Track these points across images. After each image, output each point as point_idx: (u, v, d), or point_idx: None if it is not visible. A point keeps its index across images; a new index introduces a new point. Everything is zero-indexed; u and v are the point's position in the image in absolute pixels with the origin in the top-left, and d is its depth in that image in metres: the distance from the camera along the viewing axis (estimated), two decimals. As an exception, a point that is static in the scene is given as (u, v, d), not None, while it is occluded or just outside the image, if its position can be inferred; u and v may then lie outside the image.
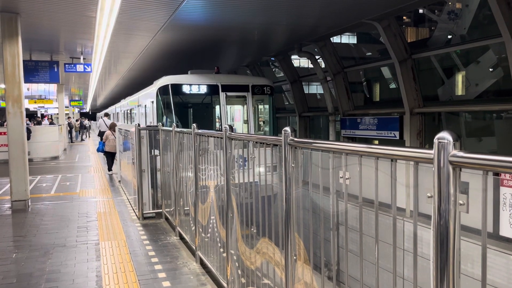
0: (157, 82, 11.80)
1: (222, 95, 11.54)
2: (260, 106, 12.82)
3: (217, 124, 12.19)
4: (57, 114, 28.57)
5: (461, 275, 1.44)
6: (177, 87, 11.45)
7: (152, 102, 12.09)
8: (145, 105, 13.50)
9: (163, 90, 11.48)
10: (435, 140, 1.42)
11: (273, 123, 12.46)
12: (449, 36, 9.74)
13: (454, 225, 1.38)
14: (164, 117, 11.44)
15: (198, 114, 12.49)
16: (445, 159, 1.39)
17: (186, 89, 11.50)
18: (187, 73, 12.07)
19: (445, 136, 1.39)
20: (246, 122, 11.99)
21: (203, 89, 11.62)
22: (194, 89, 11.56)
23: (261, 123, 12.95)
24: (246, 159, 3.55)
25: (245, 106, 12.06)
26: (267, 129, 12.66)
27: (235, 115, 12.92)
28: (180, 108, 11.77)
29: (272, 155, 3.10)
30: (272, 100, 12.33)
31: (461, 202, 1.38)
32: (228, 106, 12.03)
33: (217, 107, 12.06)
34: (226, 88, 11.63)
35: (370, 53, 13.83)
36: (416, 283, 1.75)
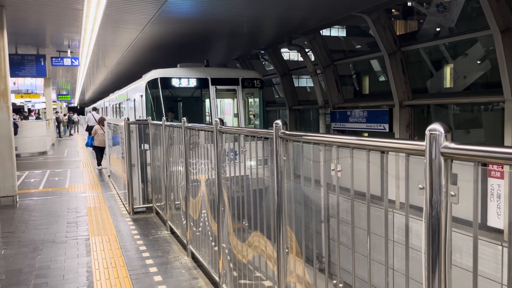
0: (146, 76, 11.69)
1: (212, 89, 11.47)
2: (250, 100, 12.79)
3: (207, 118, 12.13)
4: (45, 108, 28.21)
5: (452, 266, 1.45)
6: (166, 81, 11.34)
7: (141, 96, 12.00)
8: (134, 99, 13.38)
9: (152, 84, 11.37)
10: (427, 132, 1.42)
11: (264, 117, 12.44)
12: (438, 29, 9.78)
13: (446, 216, 1.39)
14: (154, 111, 11.35)
15: (187, 107, 12.41)
16: (437, 151, 1.39)
17: (175, 82, 11.39)
18: (176, 67, 11.98)
19: (436, 127, 1.40)
20: (236, 115, 11.96)
21: (193, 83, 11.53)
22: (184, 83, 11.46)
23: (252, 116, 12.93)
24: (237, 152, 3.53)
25: (235, 100, 12.02)
26: (257, 122, 12.64)
27: (225, 108, 12.88)
28: (170, 102, 11.69)
29: (264, 148, 3.09)
30: (262, 93, 12.29)
31: (452, 193, 1.39)
32: (218, 100, 11.98)
33: (207, 101, 11.99)
34: (216, 82, 11.56)
35: (359, 46, 13.85)
36: (408, 275, 1.76)
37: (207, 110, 12.10)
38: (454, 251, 6.38)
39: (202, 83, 11.55)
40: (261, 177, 3.36)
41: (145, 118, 10.62)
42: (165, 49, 13.12)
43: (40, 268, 4.85)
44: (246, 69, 15.46)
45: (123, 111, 16.51)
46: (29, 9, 8.48)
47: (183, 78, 11.44)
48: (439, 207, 1.39)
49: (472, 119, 9.17)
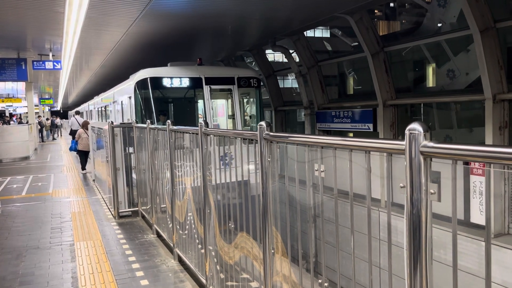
0: (135, 76, 11.10)
1: (206, 89, 10.83)
2: (247, 100, 12.15)
3: (201, 120, 11.62)
4: (27, 113, 27.74)
5: (434, 262, 1.47)
6: (156, 81, 10.70)
7: (130, 97, 11.40)
8: (122, 101, 12.80)
9: (141, 84, 10.74)
10: (407, 131, 1.45)
11: (261, 118, 11.69)
12: (439, 24, 9.73)
13: (426, 214, 1.42)
14: (143, 114, 10.85)
15: (180, 109, 11.76)
16: (416, 150, 1.42)
17: (166, 82, 10.72)
18: (166, 66, 11.40)
19: (416, 127, 1.42)
20: (232, 117, 11.39)
21: (185, 82, 10.88)
22: (176, 83, 10.79)
23: (248, 117, 12.22)
24: (223, 154, 3.53)
25: (230, 100, 11.41)
26: (254, 124, 11.86)
27: (219, 109, 12.22)
28: (161, 104, 11.03)
29: (248, 150, 3.09)
30: (259, 93, 11.61)
31: (432, 191, 1.41)
32: (212, 100, 11.29)
33: (201, 102, 11.31)
34: (210, 81, 10.91)
35: (344, 46, 13.96)
36: (391, 271, 1.79)
37: (201, 111, 11.39)
38: (439, 247, 6.48)
39: (195, 83, 10.91)
40: (247, 179, 3.37)
41: (134, 121, 10.31)
42: (150, 50, 13.00)
43: (24, 275, 4.77)
44: (242, 68, 14.79)
45: (109, 114, 15.98)
46: (9, 13, 8.35)
47: (175, 78, 10.78)
48: (420, 204, 1.41)
49: (458, 118, 9.29)
